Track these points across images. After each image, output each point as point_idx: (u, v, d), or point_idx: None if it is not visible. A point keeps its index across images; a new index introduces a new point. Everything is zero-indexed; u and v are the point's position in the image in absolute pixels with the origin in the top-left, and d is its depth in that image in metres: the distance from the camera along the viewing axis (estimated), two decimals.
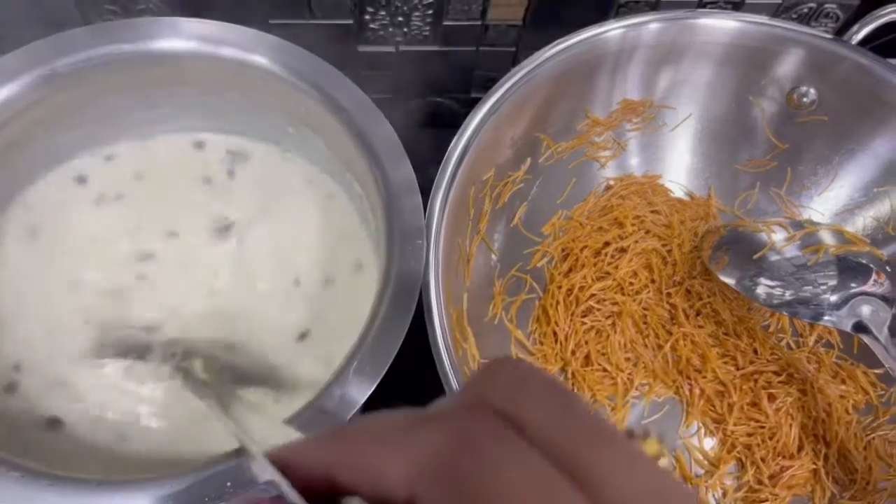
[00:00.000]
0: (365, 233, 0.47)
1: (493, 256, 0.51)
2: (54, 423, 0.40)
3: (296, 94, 0.43)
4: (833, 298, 0.47)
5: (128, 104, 0.46)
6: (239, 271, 0.45)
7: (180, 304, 0.44)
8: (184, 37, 0.43)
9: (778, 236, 0.50)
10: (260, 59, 0.42)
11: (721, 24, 0.49)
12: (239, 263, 0.45)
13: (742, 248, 0.50)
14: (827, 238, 0.49)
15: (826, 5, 0.60)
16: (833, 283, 0.47)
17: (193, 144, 0.48)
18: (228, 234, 0.46)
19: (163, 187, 0.47)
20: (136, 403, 0.41)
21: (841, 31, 0.61)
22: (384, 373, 0.36)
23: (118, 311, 0.43)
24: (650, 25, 0.49)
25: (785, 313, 0.49)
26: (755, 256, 0.49)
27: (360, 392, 0.35)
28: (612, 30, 0.48)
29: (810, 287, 0.48)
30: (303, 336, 0.44)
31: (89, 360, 0.42)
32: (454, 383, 0.40)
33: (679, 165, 0.57)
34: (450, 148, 0.45)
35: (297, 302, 0.45)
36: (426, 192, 0.63)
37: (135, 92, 0.45)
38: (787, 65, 0.51)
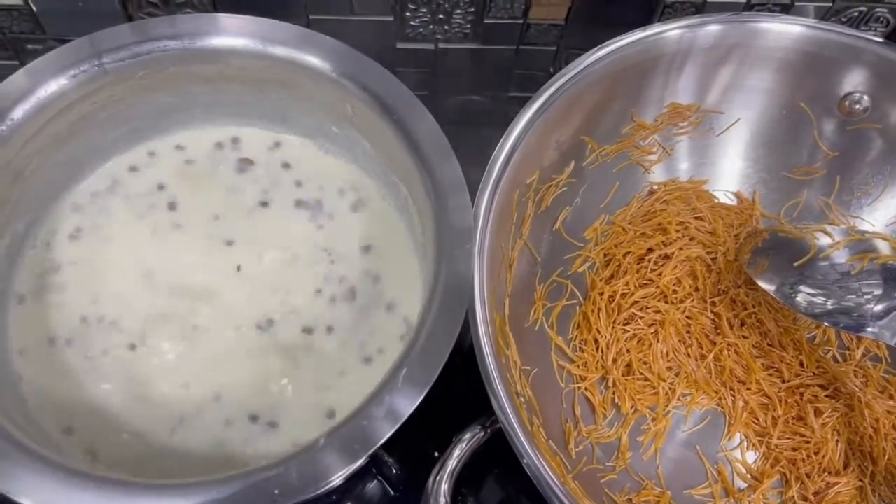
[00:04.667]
0: (408, 235, 0.46)
1: (535, 261, 0.50)
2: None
3: (344, 94, 0.42)
4: (877, 309, 0.45)
5: (171, 101, 0.45)
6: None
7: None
8: (231, 34, 0.42)
9: (821, 243, 0.49)
10: (310, 59, 0.42)
11: (782, 29, 0.48)
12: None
13: (783, 254, 0.49)
14: (873, 247, 0.48)
15: (877, 10, 0.59)
16: (878, 292, 0.46)
17: (236, 142, 0.48)
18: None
19: (206, 184, 0.47)
20: None
21: (891, 36, 0.60)
22: (434, 379, 0.35)
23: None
24: (708, 27, 0.47)
25: (826, 323, 0.47)
26: (797, 264, 0.48)
27: (410, 399, 0.35)
28: (669, 30, 0.47)
29: (853, 296, 0.46)
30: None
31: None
32: (500, 392, 0.39)
33: (727, 171, 0.55)
34: (496, 150, 0.45)
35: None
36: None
37: (178, 89, 0.45)
38: (842, 71, 0.50)
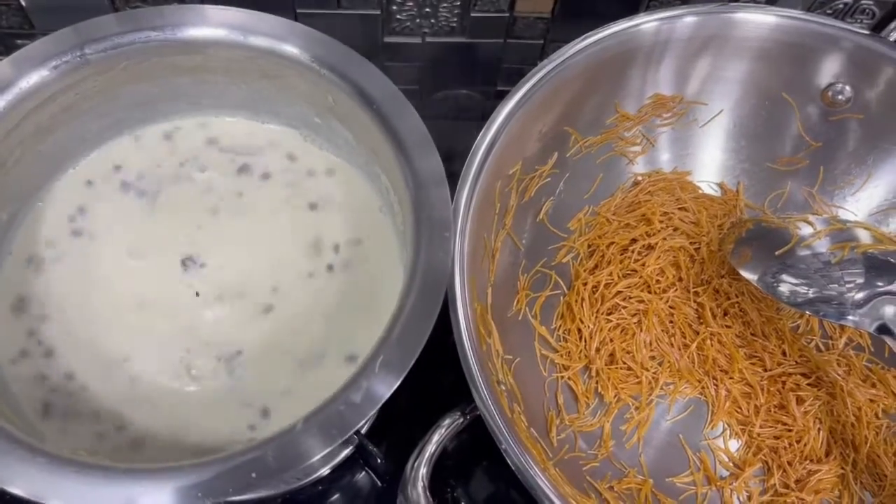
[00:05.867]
0: (390, 224, 0.47)
1: (519, 251, 0.50)
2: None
3: (325, 84, 0.42)
4: (858, 297, 0.46)
5: (154, 91, 0.46)
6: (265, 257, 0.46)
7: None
8: (213, 25, 0.42)
9: (803, 232, 0.49)
10: (290, 49, 0.42)
11: (758, 19, 0.48)
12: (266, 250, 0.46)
13: (766, 244, 0.49)
14: (854, 236, 0.48)
15: (862, 1, 0.59)
16: (859, 280, 0.46)
17: (220, 133, 0.48)
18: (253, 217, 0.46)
19: (190, 173, 0.47)
20: None
21: (877, 28, 0.60)
22: (411, 365, 0.36)
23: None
24: (685, 19, 0.48)
25: (808, 312, 0.47)
26: (778, 252, 0.48)
27: (387, 385, 0.35)
28: (646, 22, 0.47)
29: (835, 285, 0.47)
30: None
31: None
32: (478, 379, 0.39)
33: (710, 162, 0.56)
34: (477, 141, 0.45)
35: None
36: (451, 186, 0.62)
37: (162, 79, 0.45)
38: (824, 61, 0.50)
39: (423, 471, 0.38)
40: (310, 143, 0.48)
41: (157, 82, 0.45)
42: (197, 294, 0.44)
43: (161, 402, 0.41)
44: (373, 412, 0.35)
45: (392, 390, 0.35)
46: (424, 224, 0.39)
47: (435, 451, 0.39)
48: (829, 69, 0.51)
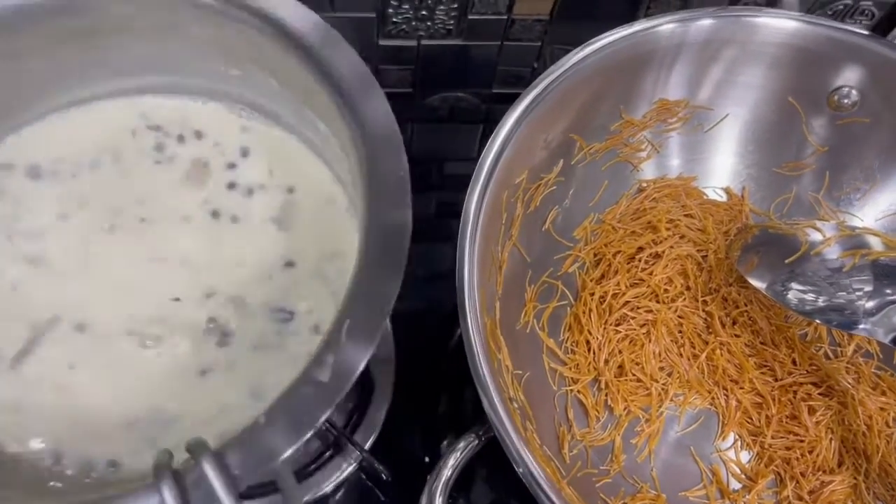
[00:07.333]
0: (332, 178, 0.42)
1: (525, 262, 0.49)
2: None
3: (235, 25, 0.36)
4: (868, 305, 0.45)
5: (40, 67, 0.39)
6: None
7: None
8: None
9: (813, 239, 0.48)
10: None
11: (773, 23, 0.47)
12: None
13: (773, 251, 0.49)
14: (865, 242, 0.48)
15: (862, 3, 0.58)
16: (868, 288, 0.46)
17: (137, 107, 0.43)
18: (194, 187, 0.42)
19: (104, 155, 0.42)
20: None
21: (876, 29, 0.60)
22: (380, 335, 0.30)
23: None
24: (699, 22, 0.46)
25: (818, 321, 0.46)
26: (788, 260, 0.48)
27: (357, 355, 0.30)
28: (659, 26, 0.46)
29: (844, 293, 0.46)
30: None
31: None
32: (494, 395, 0.38)
33: (716, 167, 0.55)
34: (484, 150, 0.43)
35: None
36: (446, 189, 0.61)
37: (46, 53, 0.39)
38: (831, 65, 0.49)
39: (438, 500, 0.37)
40: (231, 113, 0.43)
41: (42, 58, 0.38)
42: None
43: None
44: (345, 391, 0.29)
45: (365, 361, 0.30)
46: (376, 174, 0.33)
47: (451, 475, 0.38)
48: (836, 73, 0.50)
